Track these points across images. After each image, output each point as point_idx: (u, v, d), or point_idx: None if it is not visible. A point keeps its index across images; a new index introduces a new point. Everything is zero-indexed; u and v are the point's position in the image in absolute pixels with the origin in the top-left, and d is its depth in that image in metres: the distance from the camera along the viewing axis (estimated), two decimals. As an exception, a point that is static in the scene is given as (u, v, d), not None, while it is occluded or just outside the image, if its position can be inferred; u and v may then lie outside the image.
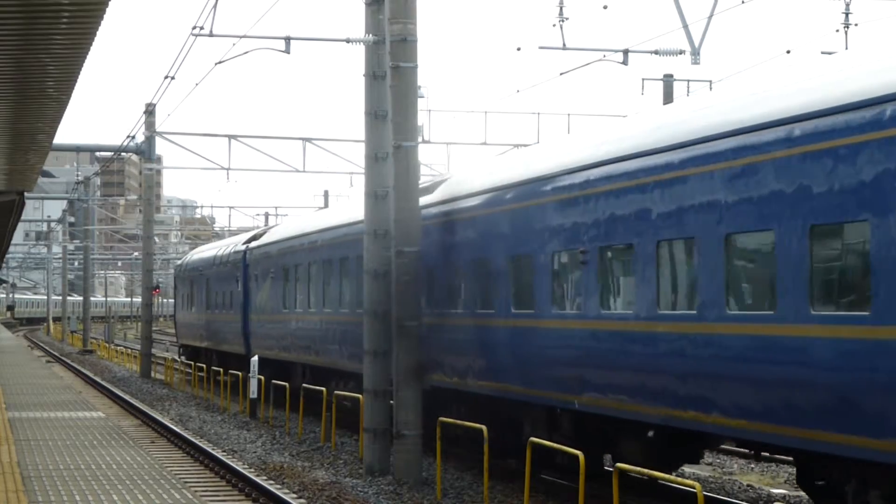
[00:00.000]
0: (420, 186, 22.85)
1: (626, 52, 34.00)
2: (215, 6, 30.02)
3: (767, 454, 21.03)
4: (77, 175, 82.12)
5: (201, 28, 30.99)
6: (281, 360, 36.12)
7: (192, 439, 26.36)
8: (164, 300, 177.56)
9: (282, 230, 38.05)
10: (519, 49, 35.59)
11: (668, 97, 38.00)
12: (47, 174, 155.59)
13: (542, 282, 19.48)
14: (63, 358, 67.26)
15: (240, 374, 37.55)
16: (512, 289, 20.55)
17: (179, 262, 55.83)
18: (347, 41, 23.63)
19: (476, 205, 22.02)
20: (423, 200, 23.37)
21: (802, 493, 20.05)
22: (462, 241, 22.53)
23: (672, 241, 16.27)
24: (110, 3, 12.70)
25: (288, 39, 30.94)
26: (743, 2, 28.49)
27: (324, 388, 29.31)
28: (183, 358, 54.42)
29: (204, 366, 45.50)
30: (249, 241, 41.87)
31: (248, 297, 40.28)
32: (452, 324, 22.84)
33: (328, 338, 30.93)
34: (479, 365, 21.68)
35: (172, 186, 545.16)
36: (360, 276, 27.22)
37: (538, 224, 19.64)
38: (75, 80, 16.30)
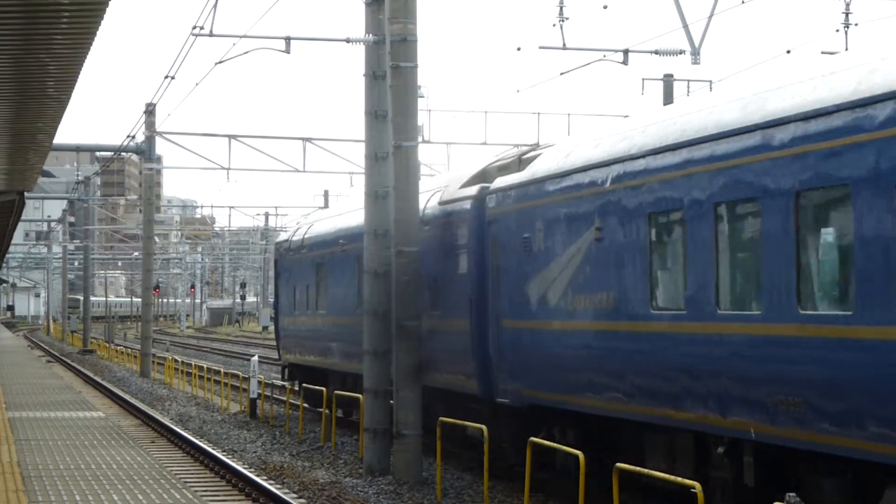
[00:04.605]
0: None
1: (626, 52, 34.00)
2: (215, 6, 30.05)
3: None
4: (77, 175, 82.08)
5: (201, 28, 31.00)
6: (621, 417, 17.23)
7: (192, 439, 26.34)
8: (164, 300, 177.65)
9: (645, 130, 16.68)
10: (519, 49, 35.67)
11: (668, 97, 38.03)
12: (47, 174, 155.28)
13: None
14: (63, 358, 67.24)
15: (485, 428, 19.06)
16: None
17: (285, 236, 35.49)
18: (347, 41, 23.67)
19: None
20: None
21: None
22: None
23: None
24: (110, 3, 12.71)
25: (288, 39, 30.94)
26: (743, 2, 28.51)
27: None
28: (290, 385, 34.54)
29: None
30: (484, 177, 22.47)
31: (494, 288, 20.69)
32: None
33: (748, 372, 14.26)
34: None
35: (172, 186, 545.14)
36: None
37: None
38: (75, 80, 16.31)
